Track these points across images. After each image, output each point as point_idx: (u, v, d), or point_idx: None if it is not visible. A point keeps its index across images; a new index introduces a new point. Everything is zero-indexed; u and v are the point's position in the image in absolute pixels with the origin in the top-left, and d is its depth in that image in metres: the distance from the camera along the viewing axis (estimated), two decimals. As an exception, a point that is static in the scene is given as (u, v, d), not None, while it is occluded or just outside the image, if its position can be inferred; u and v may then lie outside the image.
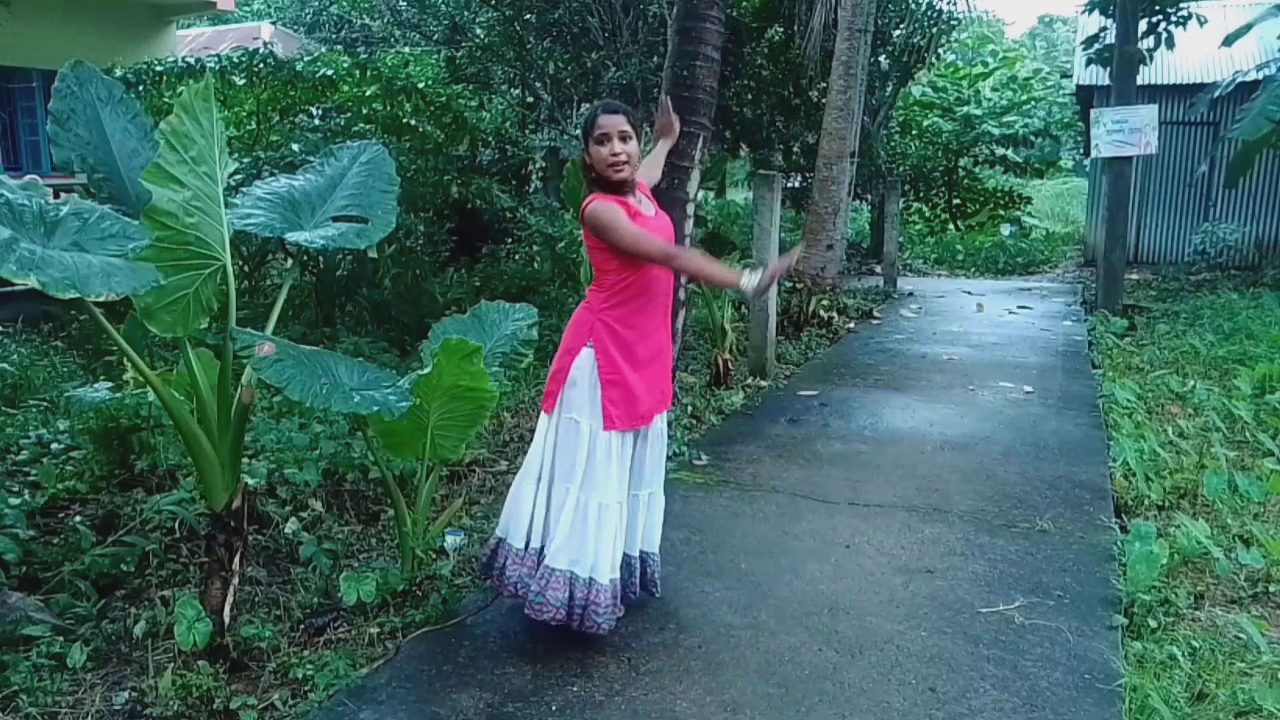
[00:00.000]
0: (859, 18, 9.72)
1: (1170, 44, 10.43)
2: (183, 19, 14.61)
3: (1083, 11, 11.66)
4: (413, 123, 8.11)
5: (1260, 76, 10.82)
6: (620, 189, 3.01)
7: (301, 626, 3.21)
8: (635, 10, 10.74)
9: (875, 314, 10.16)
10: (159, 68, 7.39)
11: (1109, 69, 10.13)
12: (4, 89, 10.89)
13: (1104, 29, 10.80)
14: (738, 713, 2.74)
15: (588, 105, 12.21)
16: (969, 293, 12.09)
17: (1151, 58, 10.67)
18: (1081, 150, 18.84)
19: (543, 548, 3.09)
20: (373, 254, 7.05)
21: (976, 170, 17.95)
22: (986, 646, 3.11)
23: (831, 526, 4.15)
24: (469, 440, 3.58)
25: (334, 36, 16.10)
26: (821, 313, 9.15)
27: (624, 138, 2.94)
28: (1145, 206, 13.73)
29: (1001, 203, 17.63)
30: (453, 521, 3.86)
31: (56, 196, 3.07)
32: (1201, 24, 10.56)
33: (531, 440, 3.21)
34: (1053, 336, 8.95)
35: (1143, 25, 10.55)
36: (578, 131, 11.64)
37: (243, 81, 7.38)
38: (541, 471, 3.11)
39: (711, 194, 19.13)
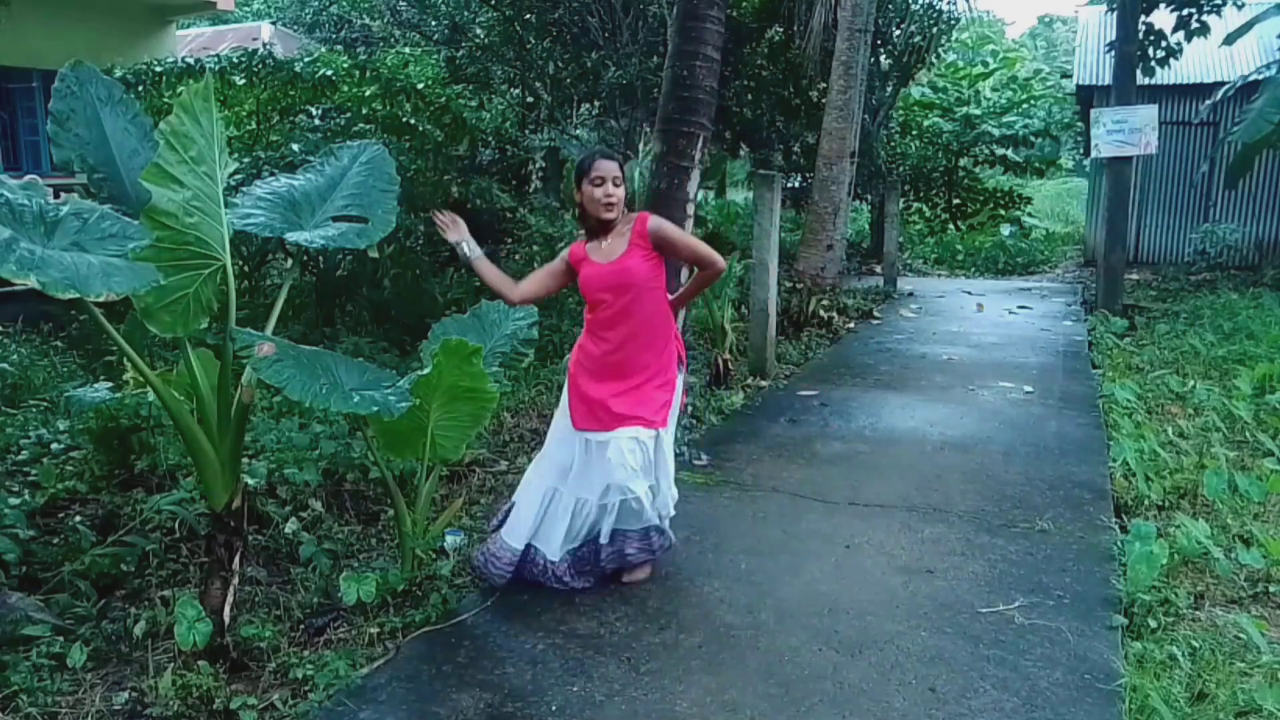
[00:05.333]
0: (859, 18, 9.72)
1: (1205, 31, 10.42)
2: (183, 19, 14.61)
3: (1102, 6, 11.62)
4: (412, 122, 8.11)
5: (1261, 77, 10.83)
6: (607, 226, 3.36)
7: (301, 626, 3.21)
8: (635, 10, 10.74)
9: (875, 314, 10.16)
10: (159, 68, 7.38)
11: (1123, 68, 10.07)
12: (4, 89, 10.88)
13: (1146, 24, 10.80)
14: (738, 713, 2.74)
15: (588, 105, 12.22)
16: (969, 293, 12.09)
17: (1180, 51, 10.64)
18: (1081, 150, 18.84)
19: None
20: (373, 254, 7.04)
21: (976, 170, 17.95)
22: (986, 646, 3.11)
23: (831, 526, 4.15)
24: (469, 440, 3.58)
25: (334, 36, 16.08)
26: (821, 313, 9.15)
27: (616, 182, 3.31)
28: (1145, 206, 13.73)
29: (1001, 203, 17.62)
30: (453, 521, 3.86)
31: (56, 196, 3.07)
32: (1240, 6, 10.55)
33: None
34: (1053, 336, 8.95)
35: (1172, 19, 10.54)
36: (578, 131, 11.73)
37: (243, 81, 7.37)
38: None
39: (711, 194, 19.14)
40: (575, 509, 3.42)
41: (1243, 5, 10.74)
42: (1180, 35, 10.67)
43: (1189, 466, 4.79)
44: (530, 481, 3.53)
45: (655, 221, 3.39)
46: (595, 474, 3.38)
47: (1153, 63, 10.66)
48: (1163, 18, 10.66)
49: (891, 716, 2.72)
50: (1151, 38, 10.49)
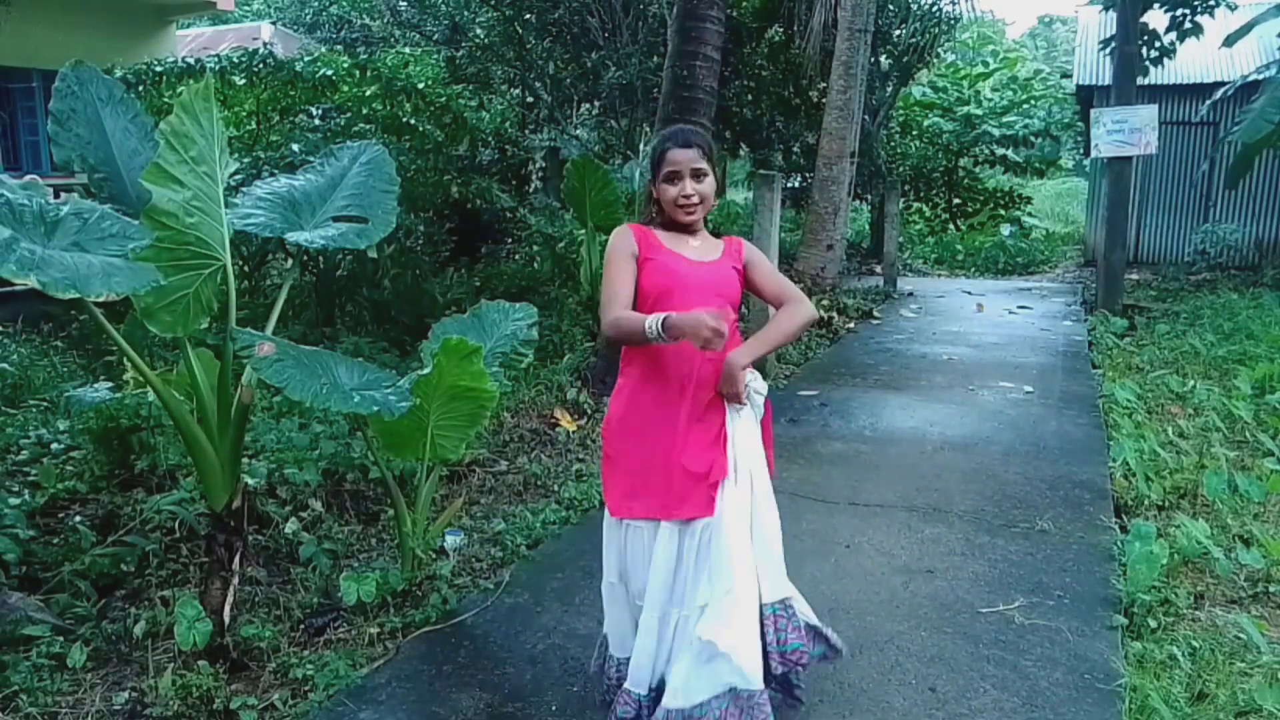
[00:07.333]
0: (859, 18, 9.73)
1: (1198, 32, 10.44)
2: (183, 19, 14.62)
3: (1099, 6, 11.64)
4: (413, 122, 8.12)
5: (1261, 78, 10.83)
6: (688, 230, 2.59)
7: (301, 626, 3.21)
8: (635, 10, 10.75)
9: (875, 314, 10.16)
10: (159, 68, 7.38)
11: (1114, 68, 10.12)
12: (4, 89, 10.89)
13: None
14: (738, 713, 2.73)
15: (588, 105, 12.22)
16: (969, 293, 12.09)
17: (1173, 51, 10.68)
18: (1081, 150, 18.84)
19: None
20: (373, 254, 7.04)
21: (977, 170, 17.96)
22: (986, 646, 3.11)
23: (831, 526, 4.15)
24: (469, 440, 3.58)
25: (334, 36, 16.10)
26: (821, 313, 9.16)
27: (697, 175, 2.50)
28: (1145, 206, 13.73)
29: (1002, 203, 17.63)
30: (453, 521, 3.86)
31: (56, 196, 3.07)
32: (1232, 8, 10.59)
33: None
34: (1053, 336, 8.95)
35: (1165, 20, 10.56)
36: (578, 131, 11.73)
37: (243, 81, 7.37)
38: None
39: (711, 194, 19.08)
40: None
41: (1235, 7, 10.76)
42: (1173, 35, 10.69)
43: (1189, 466, 4.79)
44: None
45: (751, 245, 2.70)
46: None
47: (1145, 62, 10.67)
48: (1156, 17, 10.68)
49: (891, 716, 2.72)
50: (1145, 37, 10.50)
